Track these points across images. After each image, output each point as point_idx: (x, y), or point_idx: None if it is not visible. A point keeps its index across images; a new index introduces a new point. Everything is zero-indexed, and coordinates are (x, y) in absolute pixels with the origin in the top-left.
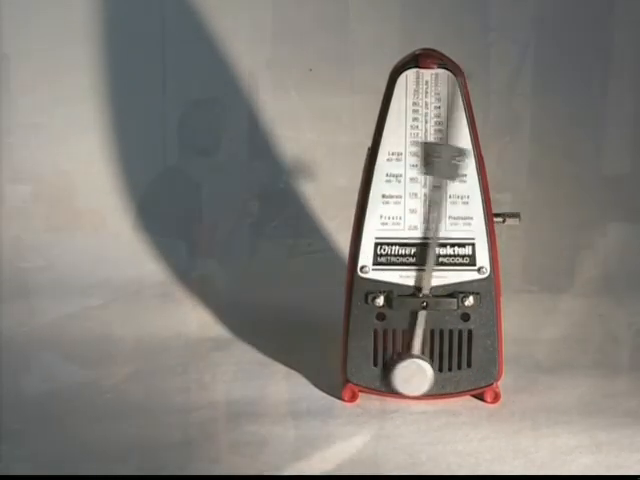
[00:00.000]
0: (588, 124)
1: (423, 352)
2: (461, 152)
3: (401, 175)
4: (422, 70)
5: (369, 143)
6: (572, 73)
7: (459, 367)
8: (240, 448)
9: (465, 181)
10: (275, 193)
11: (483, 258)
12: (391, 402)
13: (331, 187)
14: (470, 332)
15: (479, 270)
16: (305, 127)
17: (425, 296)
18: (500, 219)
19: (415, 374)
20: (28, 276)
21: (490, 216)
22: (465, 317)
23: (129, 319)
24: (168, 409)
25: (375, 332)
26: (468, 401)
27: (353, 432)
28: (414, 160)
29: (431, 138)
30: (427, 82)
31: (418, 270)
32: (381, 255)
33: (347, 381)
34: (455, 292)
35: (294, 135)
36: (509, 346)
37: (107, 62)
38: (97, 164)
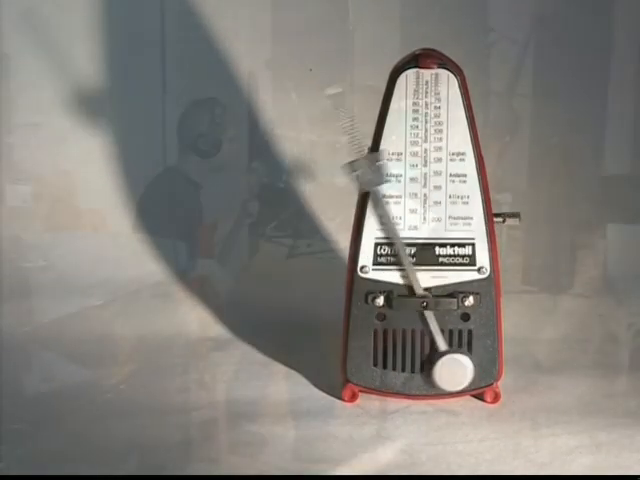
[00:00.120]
0: (588, 125)
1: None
2: (377, 156)
3: (401, 175)
4: (422, 70)
5: (369, 143)
6: (572, 73)
7: None
8: (240, 448)
9: (465, 181)
10: (275, 193)
11: (483, 258)
12: (391, 402)
13: (331, 187)
14: (470, 332)
15: (479, 270)
16: (305, 127)
17: (425, 296)
18: (500, 219)
19: (456, 369)
20: (28, 276)
21: (490, 216)
22: (465, 317)
23: (129, 319)
24: (168, 409)
25: (375, 332)
26: (468, 401)
27: (353, 432)
28: (414, 160)
29: (431, 138)
30: (427, 82)
31: (415, 271)
32: (381, 255)
33: (347, 381)
34: (455, 292)
35: (294, 135)
36: (509, 346)
37: (107, 62)
38: (97, 164)
